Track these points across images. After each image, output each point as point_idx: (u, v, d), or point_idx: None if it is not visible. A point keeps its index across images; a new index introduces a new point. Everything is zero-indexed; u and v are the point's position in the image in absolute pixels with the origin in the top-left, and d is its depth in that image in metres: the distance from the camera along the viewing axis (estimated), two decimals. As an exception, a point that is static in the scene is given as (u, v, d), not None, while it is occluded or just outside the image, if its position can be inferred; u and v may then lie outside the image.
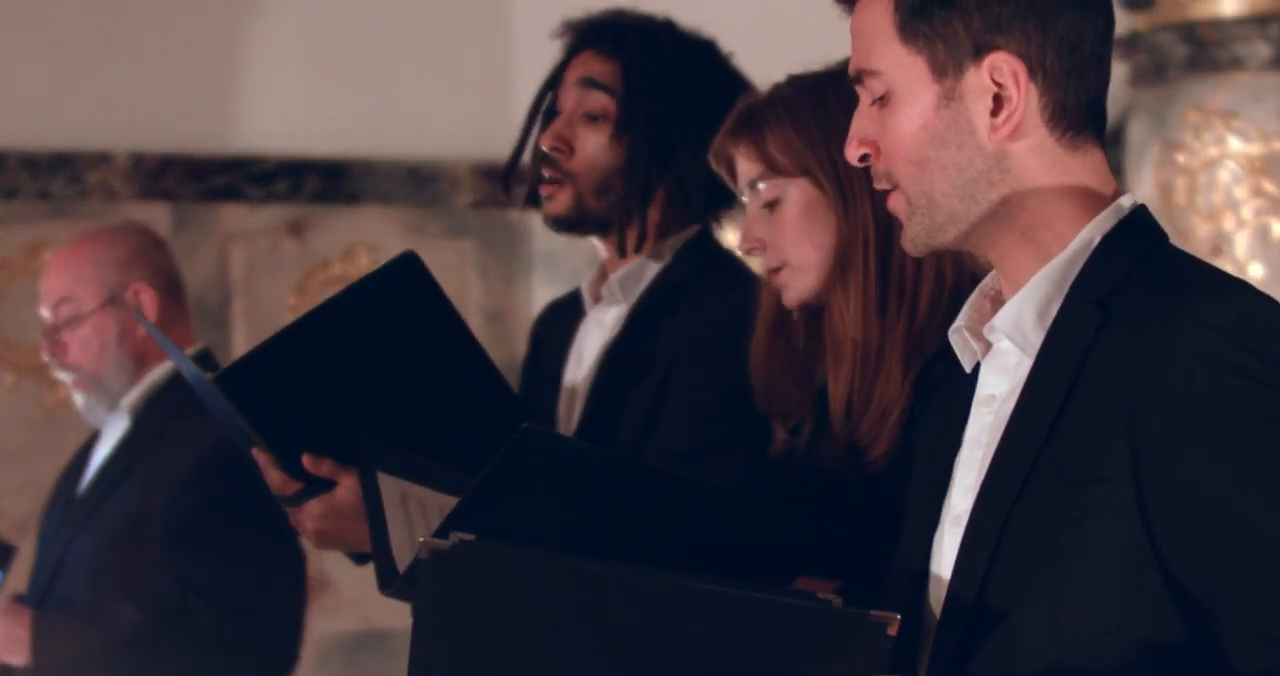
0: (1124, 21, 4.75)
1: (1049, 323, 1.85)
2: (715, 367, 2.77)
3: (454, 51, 5.55)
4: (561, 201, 2.87)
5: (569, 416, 2.93)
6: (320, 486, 2.63)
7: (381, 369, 2.63)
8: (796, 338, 2.58)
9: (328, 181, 5.49)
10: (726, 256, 2.95)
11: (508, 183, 2.97)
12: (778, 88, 2.54)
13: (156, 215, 5.20)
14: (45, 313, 3.55)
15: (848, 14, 1.93)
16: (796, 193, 2.48)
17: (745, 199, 2.55)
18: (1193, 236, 4.63)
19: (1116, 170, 4.83)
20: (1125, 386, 1.76)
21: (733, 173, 2.56)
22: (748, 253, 2.54)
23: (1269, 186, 4.57)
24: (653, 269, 2.89)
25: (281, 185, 5.46)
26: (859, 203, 2.45)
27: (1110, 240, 1.85)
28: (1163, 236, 1.88)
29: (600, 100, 2.86)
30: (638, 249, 2.89)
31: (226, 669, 3.36)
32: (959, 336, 1.94)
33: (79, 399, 3.53)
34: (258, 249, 5.43)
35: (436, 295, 2.65)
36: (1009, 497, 1.80)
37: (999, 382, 1.89)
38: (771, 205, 2.50)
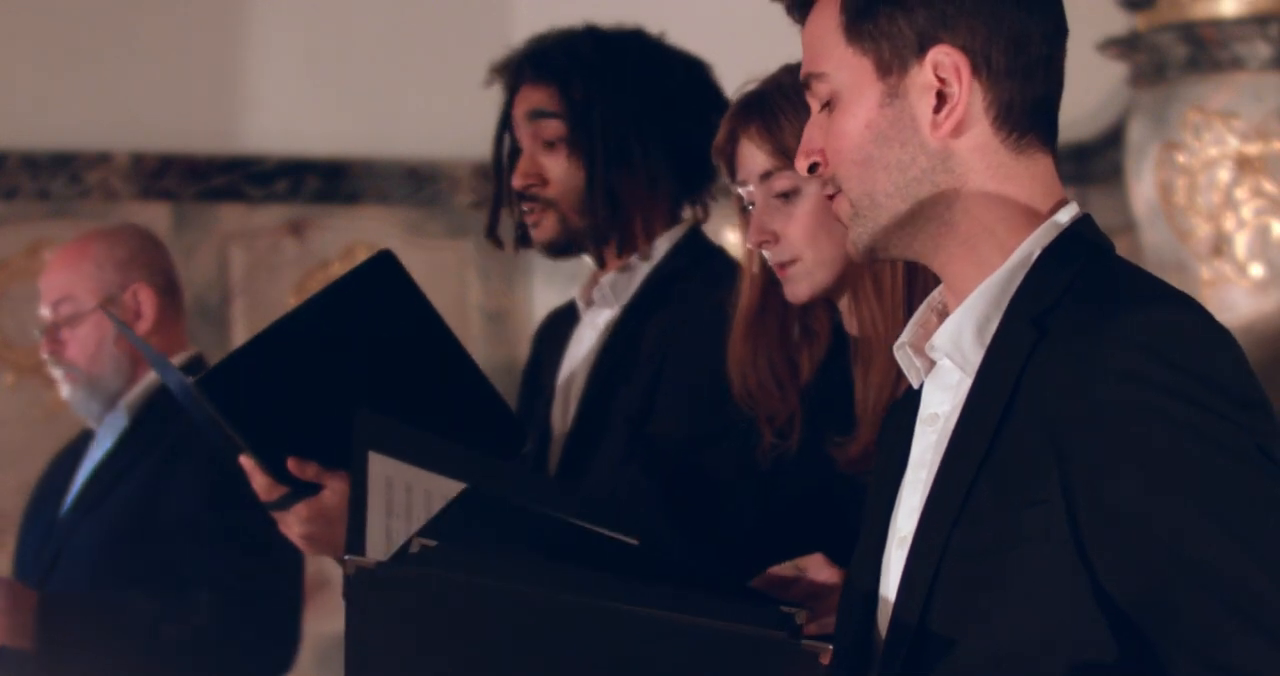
0: (1124, 21, 4.75)
1: (988, 340, 1.82)
2: (706, 361, 2.77)
3: (454, 51, 5.54)
4: (548, 227, 2.90)
5: (563, 417, 2.93)
6: (306, 490, 2.62)
7: (362, 369, 2.63)
8: (776, 334, 2.53)
9: (328, 181, 5.49)
10: (716, 253, 2.95)
11: (493, 231, 2.99)
12: (780, 76, 2.48)
13: (156, 215, 5.20)
14: (45, 310, 3.56)
15: (801, 24, 1.91)
16: (816, 185, 2.40)
17: (747, 190, 2.49)
18: (1193, 236, 4.63)
19: (1116, 170, 4.84)
20: (1053, 406, 1.74)
21: (732, 165, 2.51)
22: (759, 246, 2.48)
23: (1269, 186, 4.57)
24: (643, 270, 2.90)
25: (281, 185, 5.46)
26: None
27: (1050, 254, 1.83)
28: (1105, 249, 1.85)
29: (550, 127, 2.89)
30: (619, 254, 2.89)
31: (229, 659, 3.37)
32: (903, 353, 1.91)
33: (68, 393, 3.55)
34: (258, 249, 5.43)
35: (414, 293, 2.65)
36: (948, 520, 1.78)
37: (941, 401, 1.87)
38: (787, 195, 2.44)
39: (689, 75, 2.92)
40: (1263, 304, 4.55)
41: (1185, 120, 4.63)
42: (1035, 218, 1.85)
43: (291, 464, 2.60)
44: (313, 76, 5.51)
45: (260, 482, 2.64)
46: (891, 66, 1.84)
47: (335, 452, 2.61)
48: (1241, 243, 4.59)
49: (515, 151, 2.96)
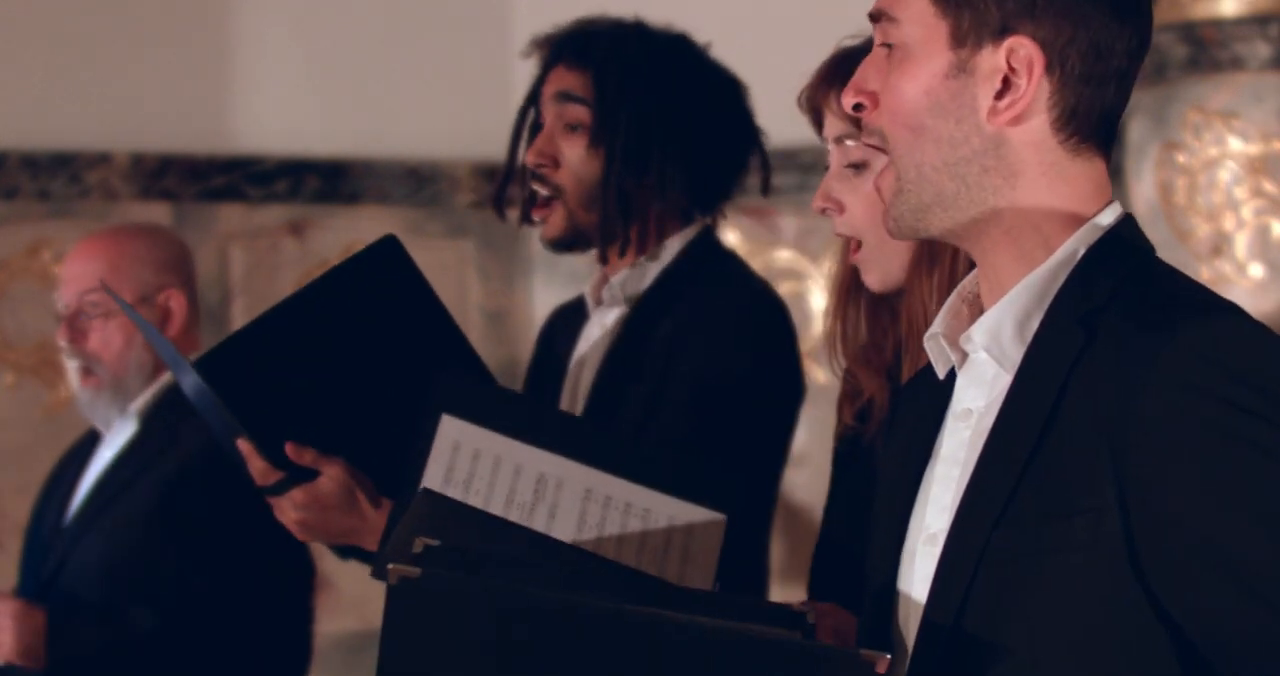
0: (1124, 21, 4.74)
1: (1028, 338, 1.80)
2: (711, 365, 2.76)
3: (454, 51, 5.54)
4: (555, 223, 2.89)
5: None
6: (302, 476, 2.62)
7: (362, 353, 2.62)
8: (868, 313, 2.45)
9: (328, 181, 5.49)
10: (727, 256, 2.94)
11: (500, 203, 2.98)
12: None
13: (156, 215, 5.20)
14: (68, 297, 3.49)
15: None
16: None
17: (829, 147, 2.43)
18: (1193, 236, 4.63)
19: (1116, 170, 4.83)
20: (1109, 414, 1.71)
21: (819, 119, 2.44)
22: (821, 211, 2.42)
23: (1269, 186, 4.57)
24: (653, 270, 2.90)
25: (281, 185, 5.46)
26: None
27: (1095, 254, 1.81)
28: (1149, 251, 1.84)
29: (576, 112, 2.87)
30: (621, 254, 2.89)
31: (235, 673, 3.35)
32: (934, 343, 1.88)
33: (85, 397, 3.49)
34: (258, 249, 5.43)
35: (417, 279, 2.64)
36: (988, 522, 1.75)
37: (976, 396, 1.84)
38: (857, 166, 2.38)
39: (724, 94, 2.92)
40: (1263, 304, 4.55)
41: (1185, 120, 4.63)
42: (1081, 217, 1.83)
43: (289, 449, 2.60)
44: (313, 76, 5.52)
45: (257, 467, 2.63)
46: (966, 40, 1.81)
47: (333, 438, 2.60)
48: (1241, 243, 4.59)
49: (536, 128, 2.94)
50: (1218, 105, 4.61)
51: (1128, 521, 1.70)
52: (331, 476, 2.60)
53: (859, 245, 2.39)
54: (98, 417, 3.51)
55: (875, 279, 2.38)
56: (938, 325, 1.88)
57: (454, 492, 2.43)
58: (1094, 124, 1.83)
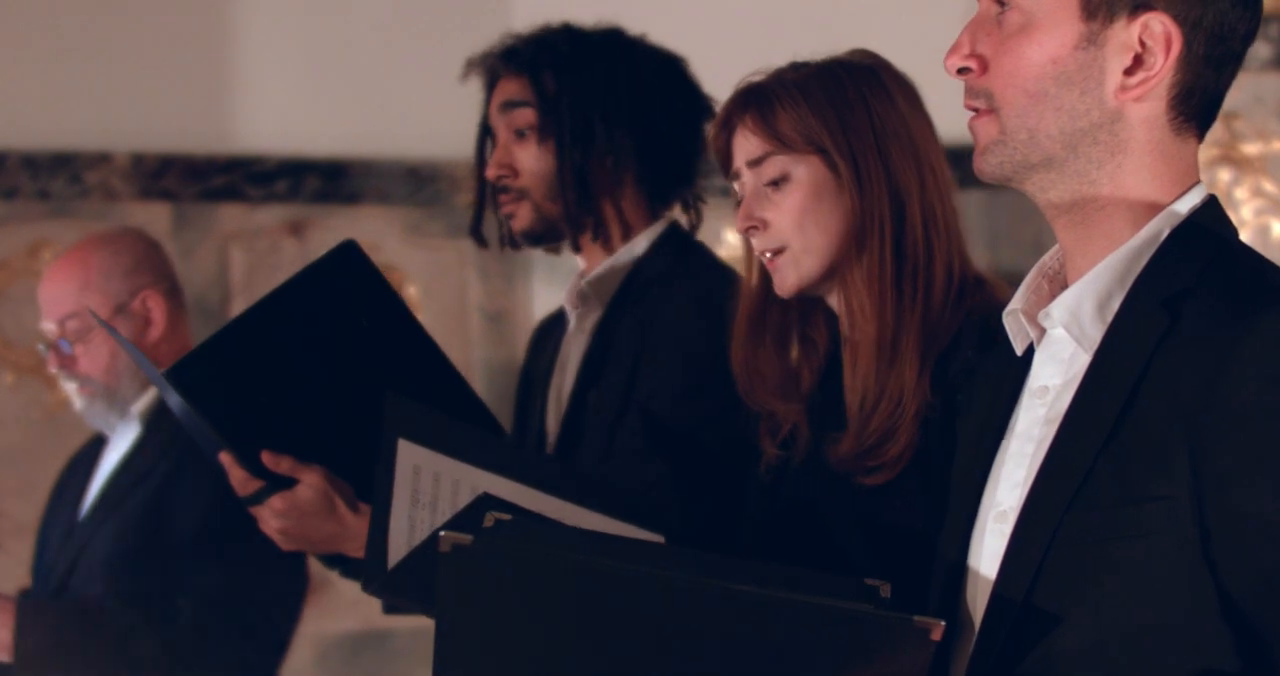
0: (1124, 21, 4.74)
1: (1109, 317, 1.79)
2: (679, 353, 2.77)
3: (454, 51, 5.53)
4: (523, 216, 2.93)
5: (557, 421, 2.93)
6: (281, 484, 2.62)
7: (331, 359, 2.62)
8: (775, 345, 2.48)
9: (328, 181, 5.49)
10: (696, 247, 2.96)
11: (477, 229, 3.02)
12: (781, 71, 2.43)
13: (156, 215, 5.19)
14: (49, 325, 3.50)
15: None
16: (806, 172, 2.37)
17: (740, 182, 2.46)
18: (1193, 236, 4.62)
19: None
20: (1190, 403, 1.70)
21: (725, 157, 2.46)
22: (746, 232, 2.43)
23: (1269, 186, 4.57)
24: (623, 268, 2.91)
25: (281, 185, 5.45)
26: (873, 183, 2.34)
27: (1180, 235, 1.80)
28: (1233, 234, 1.83)
29: (523, 116, 2.93)
30: (595, 239, 2.91)
31: (205, 670, 3.34)
32: (1014, 319, 1.88)
33: (81, 404, 3.49)
34: (258, 249, 5.43)
35: (379, 283, 2.64)
36: (1061, 504, 1.75)
37: (1053, 374, 1.84)
38: (777, 182, 2.39)
39: (662, 69, 2.95)
40: (1263, 304, 4.55)
41: (1185, 120, 4.63)
42: (1169, 197, 1.83)
43: (265, 457, 2.60)
44: (313, 76, 5.51)
45: (236, 477, 2.63)
46: (1099, 12, 1.81)
47: (310, 445, 2.60)
48: (1241, 243, 4.59)
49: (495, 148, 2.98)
50: (1218, 105, 4.61)
51: (1202, 513, 1.69)
52: (310, 483, 2.60)
53: (778, 252, 2.40)
54: (98, 423, 3.52)
55: (792, 279, 2.39)
56: (1017, 301, 1.89)
57: (422, 515, 2.45)
58: (1204, 106, 1.84)
